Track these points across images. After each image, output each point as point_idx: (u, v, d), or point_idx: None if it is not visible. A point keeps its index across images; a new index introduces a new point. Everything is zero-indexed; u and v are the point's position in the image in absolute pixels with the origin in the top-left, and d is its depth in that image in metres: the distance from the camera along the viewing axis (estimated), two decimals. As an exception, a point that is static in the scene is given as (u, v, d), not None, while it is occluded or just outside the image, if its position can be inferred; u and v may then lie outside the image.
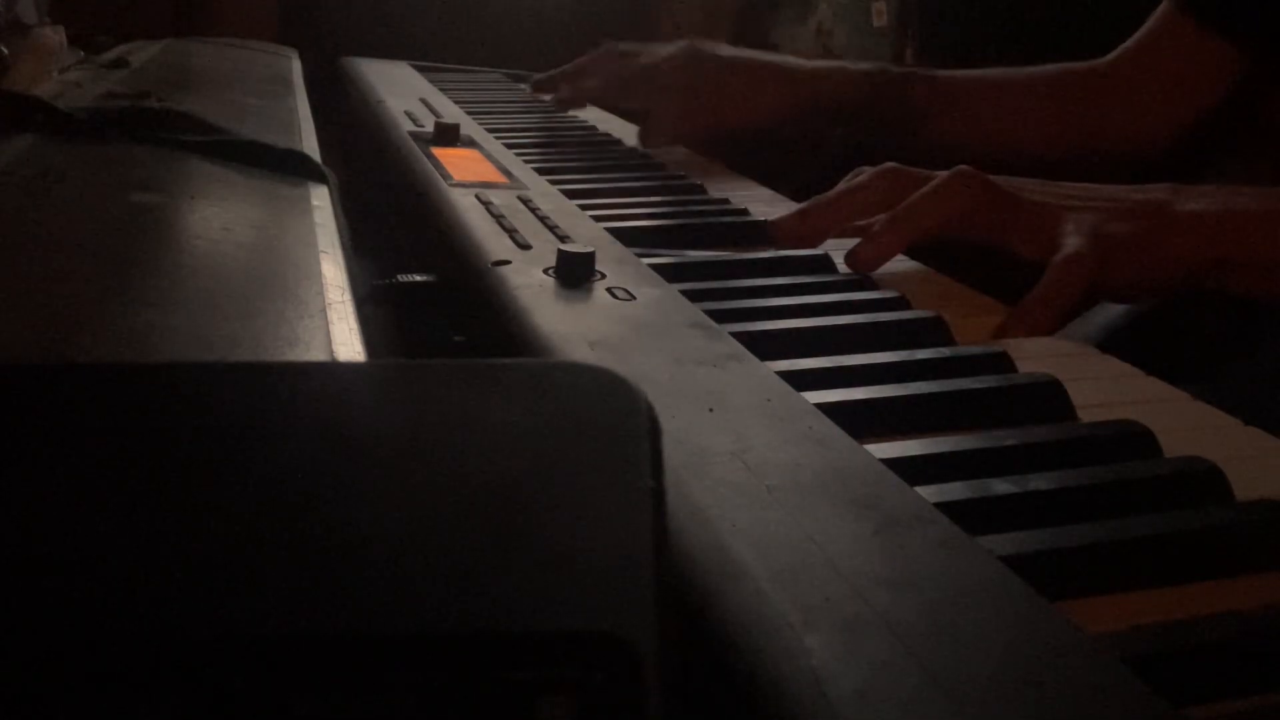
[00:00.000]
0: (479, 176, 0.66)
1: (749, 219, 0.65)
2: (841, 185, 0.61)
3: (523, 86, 1.23)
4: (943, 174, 0.56)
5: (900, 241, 0.55)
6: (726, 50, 0.88)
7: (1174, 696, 0.23)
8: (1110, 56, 0.82)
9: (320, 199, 0.55)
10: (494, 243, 0.51)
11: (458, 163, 0.69)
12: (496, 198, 0.59)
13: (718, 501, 0.28)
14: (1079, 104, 0.81)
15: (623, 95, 0.93)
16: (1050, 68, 0.83)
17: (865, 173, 0.60)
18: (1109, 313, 0.72)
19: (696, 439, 0.32)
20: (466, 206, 0.58)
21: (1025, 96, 0.82)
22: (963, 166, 0.57)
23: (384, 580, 0.18)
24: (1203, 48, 0.78)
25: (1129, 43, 0.82)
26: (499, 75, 1.28)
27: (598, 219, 0.58)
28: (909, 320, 0.48)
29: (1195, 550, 0.30)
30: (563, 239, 0.52)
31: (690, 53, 0.86)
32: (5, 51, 0.68)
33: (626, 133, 0.93)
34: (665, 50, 0.89)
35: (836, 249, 0.58)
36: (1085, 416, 0.39)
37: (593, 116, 1.03)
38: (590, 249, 0.47)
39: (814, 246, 0.59)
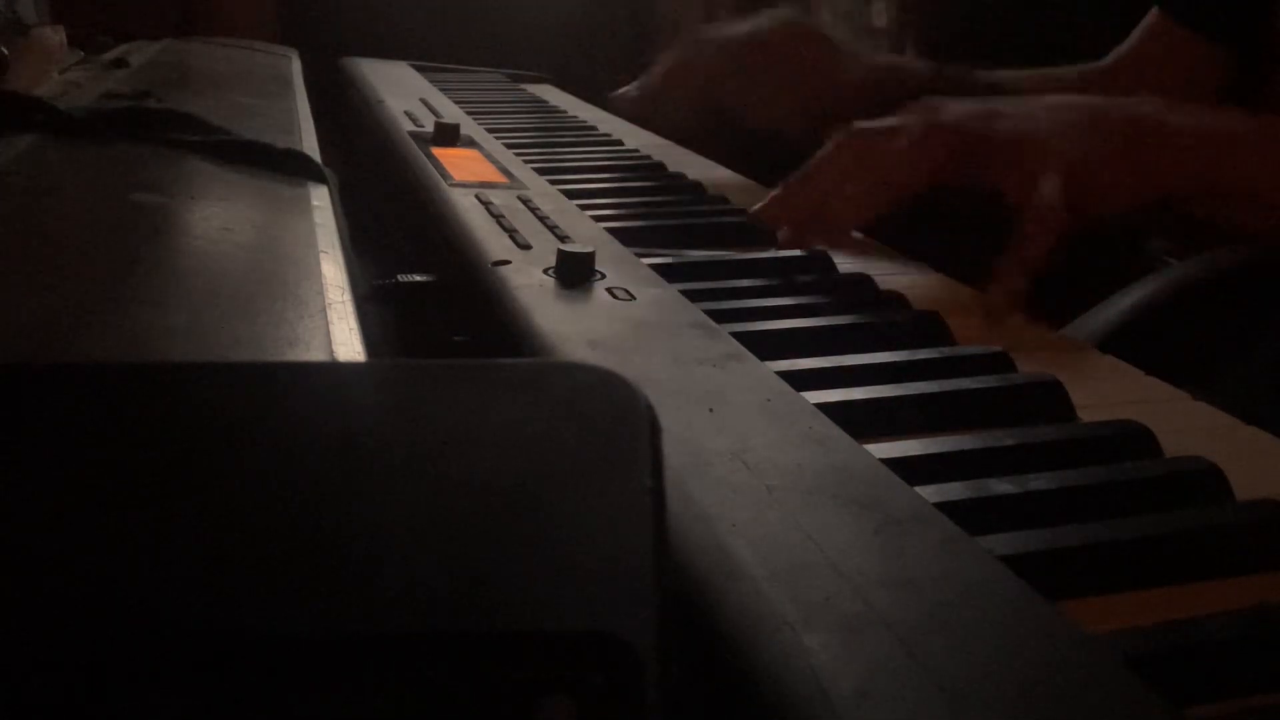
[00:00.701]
0: (479, 176, 0.66)
1: (746, 217, 0.65)
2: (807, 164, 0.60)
3: (523, 87, 1.23)
4: (909, 128, 0.55)
5: (870, 209, 0.55)
6: (826, 34, 0.83)
7: (1174, 696, 0.23)
8: (1106, 60, 0.83)
9: (320, 199, 0.55)
10: (494, 243, 0.51)
11: (458, 163, 0.69)
12: (496, 198, 0.59)
13: (718, 501, 0.28)
14: None
15: (724, 88, 0.82)
16: (1057, 71, 0.83)
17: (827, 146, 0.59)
18: (1109, 313, 0.72)
19: (696, 439, 0.32)
20: (466, 206, 0.58)
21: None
22: (928, 118, 0.56)
23: (384, 580, 0.18)
24: (1191, 51, 0.78)
25: (1122, 47, 0.82)
26: (499, 75, 1.28)
27: (598, 219, 0.58)
28: (909, 320, 0.48)
29: (1195, 550, 0.30)
30: (563, 239, 0.52)
31: (791, 26, 0.80)
32: (5, 51, 0.68)
33: (627, 132, 0.93)
34: (759, 25, 0.81)
35: (835, 250, 0.58)
36: (1085, 416, 0.39)
37: (593, 117, 1.03)
38: (590, 249, 0.47)
39: (799, 227, 0.58)
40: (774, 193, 0.61)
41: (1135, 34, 0.81)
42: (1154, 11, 0.81)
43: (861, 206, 0.56)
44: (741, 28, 0.79)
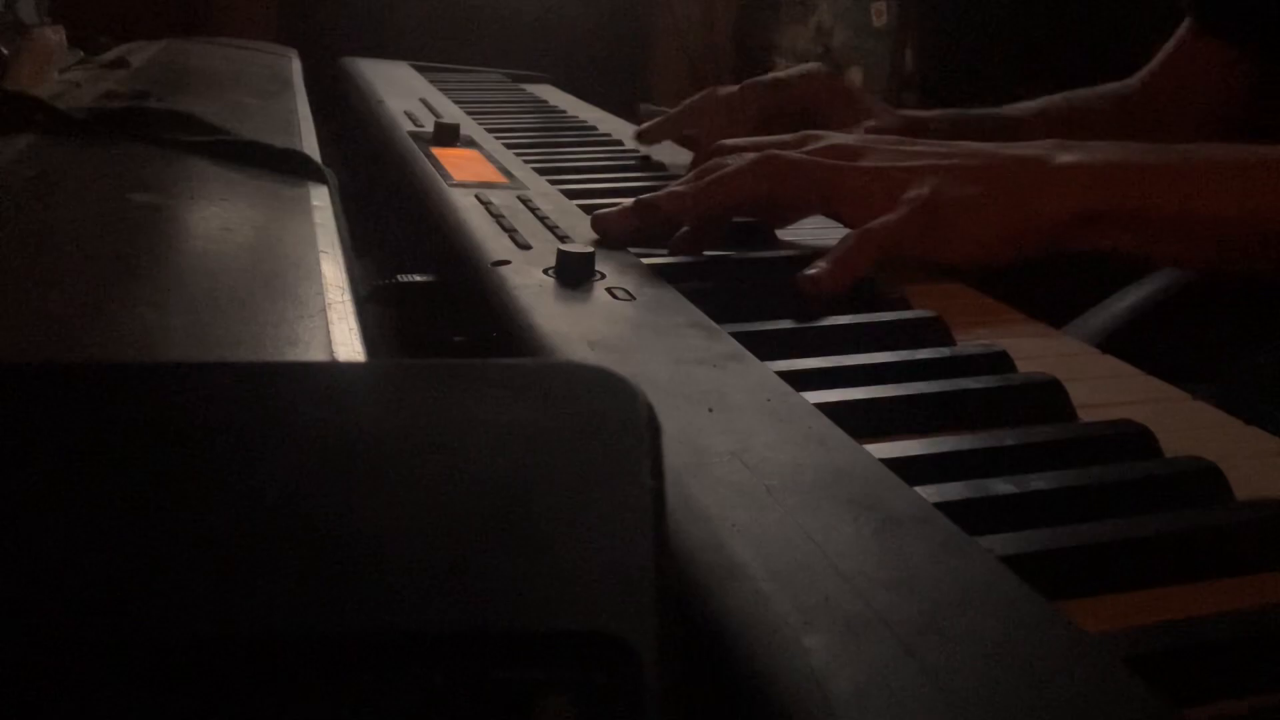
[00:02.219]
0: (479, 176, 0.66)
1: (748, 219, 0.65)
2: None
3: (523, 87, 1.23)
4: (746, 157, 0.56)
5: (692, 213, 0.55)
6: (855, 88, 0.84)
7: (1174, 696, 0.23)
8: (1137, 77, 0.83)
9: (320, 199, 0.55)
10: (494, 243, 0.51)
11: (458, 163, 0.69)
12: (496, 198, 0.59)
13: (718, 501, 0.28)
14: (1125, 127, 0.81)
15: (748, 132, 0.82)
16: (1092, 92, 0.83)
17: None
18: (1109, 312, 0.72)
19: (696, 439, 0.32)
20: (466, 206, 0.58)
21: (1081, 126, 0.82)
22: (769, 152, 0.56)
23: (384, 580, 0.18)
24: (1225, 63, 0.78)
25: (1154, 63, 0.82)
26: (499, 75, 1.28)
27: (598, 219, 0.58)
28: (909, 320, 0.48)
29: (1195, 550, 0.30)
30: (563, 239, 0.52)
31: (825, 78, 0.80)
32: (5, 51, 0.69)
33: (626, 133, 0.93)
34: (785, 75, 0.81)
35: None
36: (1085, 416, 0.39)
37: (593, 117, 1.03)
38: (590, 249, 0.47)
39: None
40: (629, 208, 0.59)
41: (1167, 47, 0.82)
42: (1186, 24, 0.81)
43: (668, 214, 0.56)
44: (765, 78, 0.79)
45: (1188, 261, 0.54)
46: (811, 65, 0.79)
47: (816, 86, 0.77)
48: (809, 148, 0.57)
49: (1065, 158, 0.52)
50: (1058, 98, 0.82)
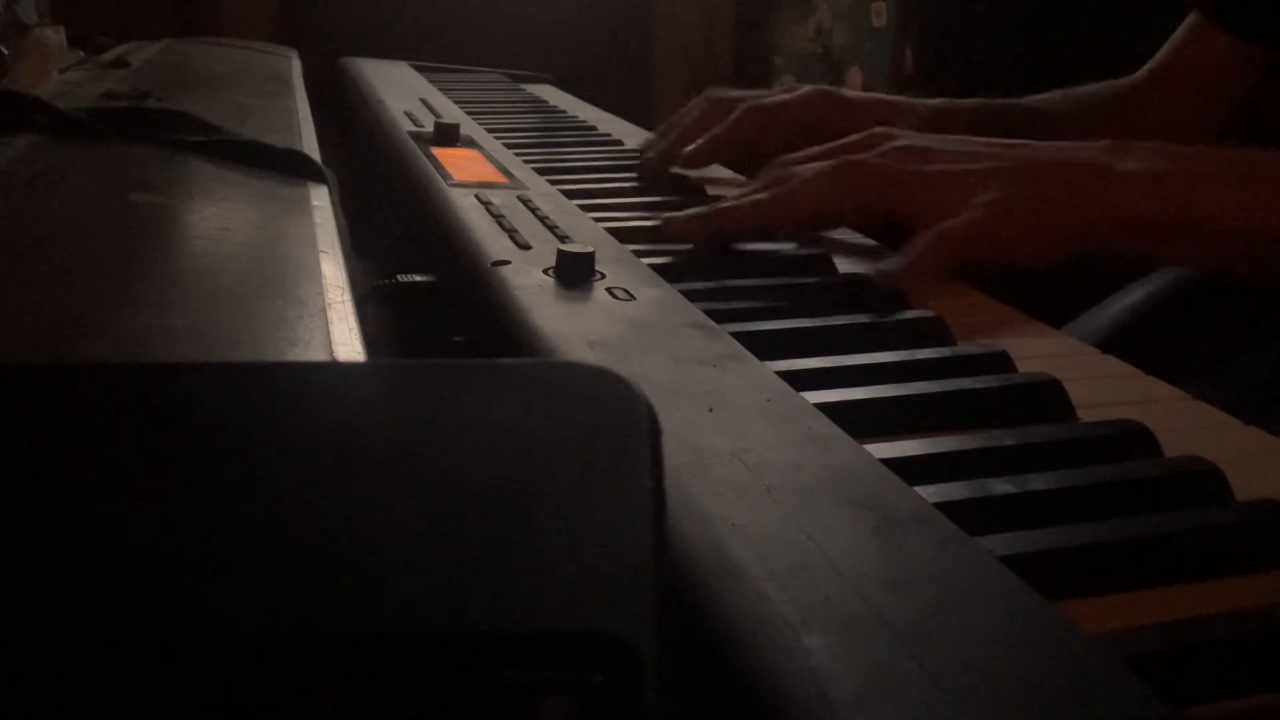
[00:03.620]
0: (479, 176, 0.66)
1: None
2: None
3: (523, 87, 1.23)
4: (829, 163, 0.57)
5: (768, 221, 0.56)
6: (850, 93, 0.83)
7: (1174, 696, 0.23)
8: (1144, 70, 0.82)
9: (320, 199, 0.55)
10: (494, 243, 0.51)
11: (458, 163, 0.69)
12: (496, 198, 0.59)
13: (718, 501, 0.28)
14: (1125, 122, 0.81)
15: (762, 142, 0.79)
16: (1094, 88, 0.83)
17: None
18: (1109, 312, 0.72)
19: (696, 439, 0.32)
20: (466, 206, 0.58)
21: (1079, 121, 0.81)
22: (846, 159, 0.56)
23: (384, 580, 0.18)
24: (1233, 55, 0.78)
25: (1159, 56, 0.82)
26: (499, 75, 1.28)
27: (598, 219, 0.58)
28: (909, 320, 0.48)
29: (1195, 550, 0.30)
30: (563, 239, 0.52)
31: (818, 94, 0.79)
32: (5, 51, 0.69)
33: (626, 133, 0.93)
34: (789, 96, 0.79)
35: (834, 249, 0.58)
36: (1085, 416, 0.39)
37: (593, 117, 1.03)
38: (590, 249, 0.47)
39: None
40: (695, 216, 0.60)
41: (1173, 41, 0.81)
42: (1193, 16, 0.80)
43: (740, 223, 0.57)
44: (765, 102, 0.77)
45: (1243, 271, 0.54)
46: (809, 88, 0.78)
47: (817, 105, 0.76)
48: (880, 149, 0.57)
49: (1125, 163, 0.52)
50: (1056, 94, 0.82)
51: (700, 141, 0.75)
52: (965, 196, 0.53)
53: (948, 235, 0.51)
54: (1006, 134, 0.72)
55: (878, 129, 0.60)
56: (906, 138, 0.58)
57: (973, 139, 0.57)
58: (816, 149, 0.61)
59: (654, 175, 0.76)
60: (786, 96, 0.77)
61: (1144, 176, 0.52)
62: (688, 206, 0.68)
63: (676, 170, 0.77)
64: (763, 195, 0.57)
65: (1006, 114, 0.80)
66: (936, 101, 0.80)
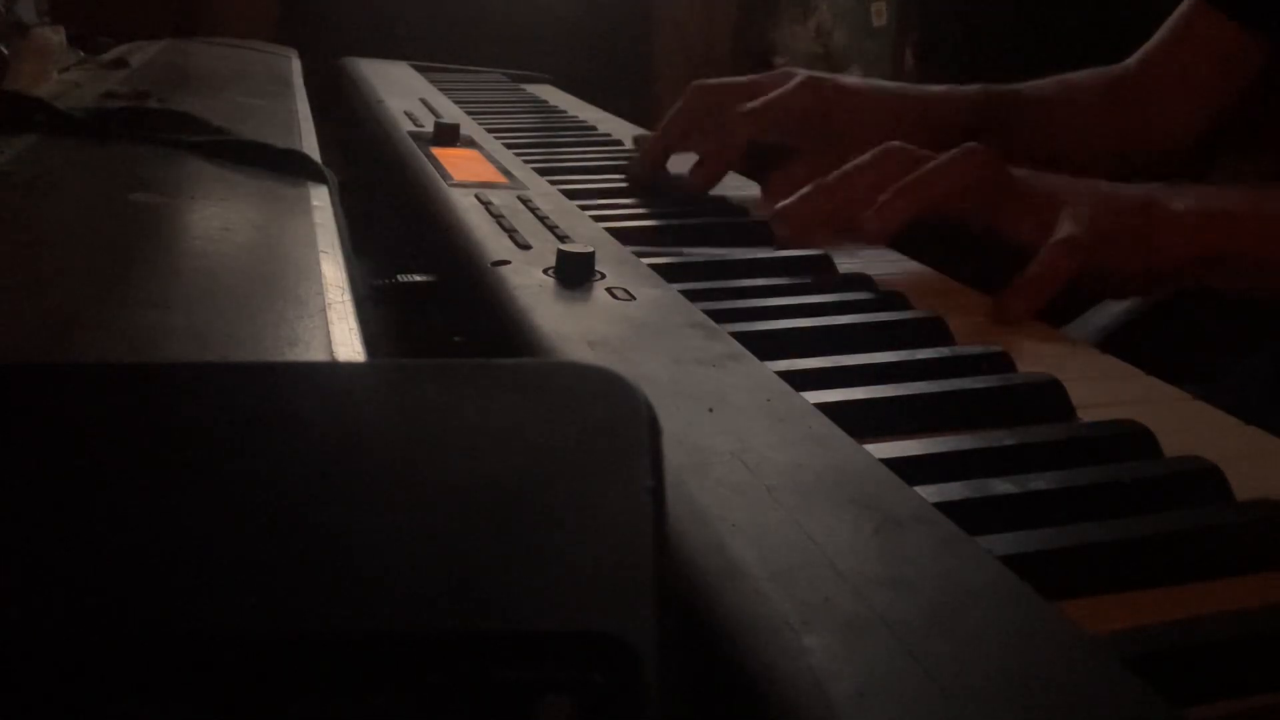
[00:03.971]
0: (479, 176, 0.66)
1: (748, 219, 0.65)
2: (845, 167, 0.61)
3: (523, 87, 1.23)
4: (950, 151, 0.57)
5: (907, 209, 0.55)
6: (845, 80, 0.80)
7: (1174, 696, 0.23)
8: (1136, 56, 0.82)
9: (320, 199, 0.55)
10: (494, 243, 0.51)
11: (458, 163, 0.69)
12: (496, 198, 0.59)
13: (718, 501, 0.28)
14: (1112, 108, 0.81)
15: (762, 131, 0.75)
16: (1085, 74, 0.82)
17: (868, 154, 0.60)
18: (1109, 312, 0.72)
19: (696, 439, 0.32)
20: (466, 206, 0.58)
21: (1068, 107, 0.81)
22: (971, 144, 0.57)
23: (384, 580, 0.18)
24: (1232, 41, 0.77)
25: (1153, 41, 0.81)
26: (499, 75, 1.28)
27: (598, 219, 0.58)
28: (909, 320, 0.48)
29: (1195, 550, 0.30)
30: (563, 239, 0.52)
31: (812, 84, 0.76)
32: (5, 51, 0.68)
33: (626, 133, 0.93)
34: (781, 84, 0.76)
35: (836, 250, 0.58)
36: (1085, 416, 0.39)
37: (593, 117, 1.03)
38: (590, 249, 0.47)
39: (818, 230, 0.59)
40: (804, 191, 0.60)
41: (1169, 24, 0.80)
42: (1187, 5, 0.80)
43: (892, 215, 0.56)
44: (756, 103, 0.73)
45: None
46: (800, 78, 0.75)
47: (813, 98, 0.74)
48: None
49: (1180, 203, 0.55)
50: (1052, 81, 0.82)
51: (703, 169, 0.73)
52: (1051, 217, 0.54)
53: (1075, 243, 0.52)
54: (1005, 123, 0.73)
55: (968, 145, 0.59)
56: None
57: (1040, 174, 0.58)
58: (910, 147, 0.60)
59: (639, 182, 0.75)
60: (780, 93, 0.74)
61: (1198, 214, 0.54)
62: (686, 206, 0.69)
63: (677, 172, 0.76)
64: (887, 193, 0.56)
65: (1004, 102, 0.80)
66: (937, 89, 0.80)
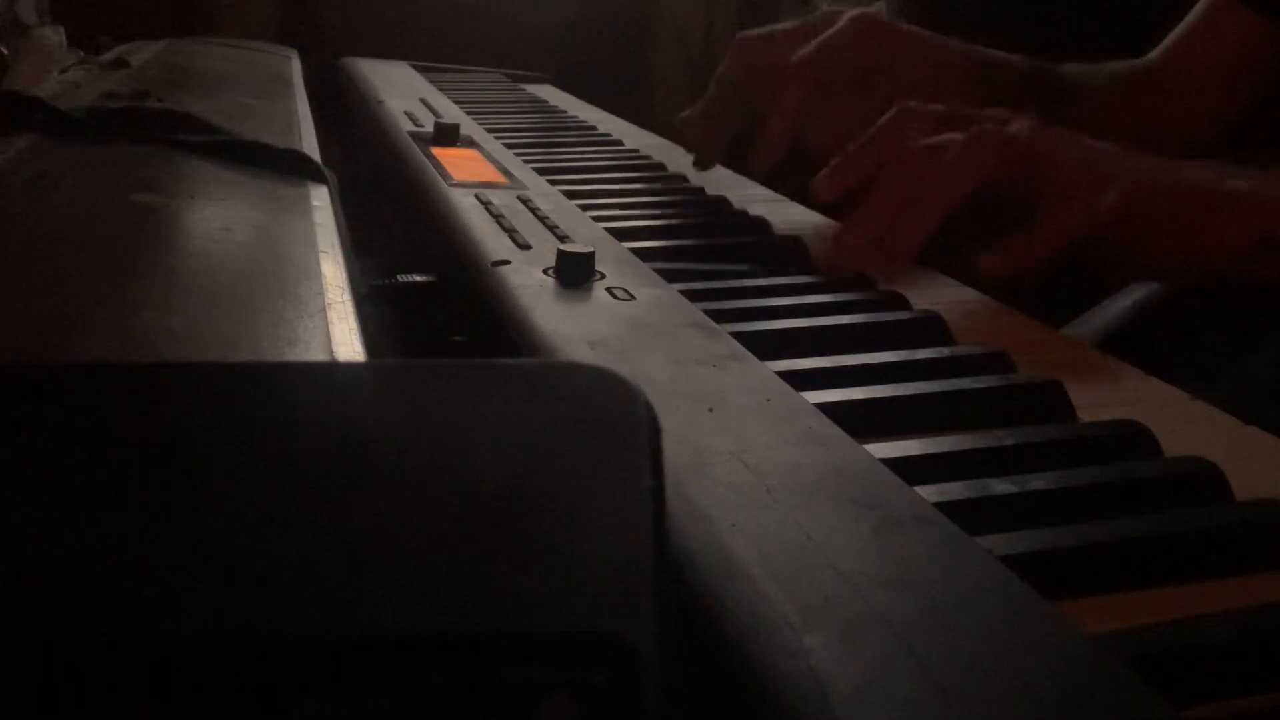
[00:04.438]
0: (479, 176, 0.66)
1: (748, 218, 0.65)
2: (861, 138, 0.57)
3: (523, 87, 1.23)
4: (970, 131, 0.54)
5: (928, 226, 0.53)
6: (899, 24, 0.73)
7: (1174, 696, 0.23)
8: (1157, 52, 0.80)
9: (320, 199, 0.55)
10: (494, 243, 0.51)
11: (458, 163, 0.69)
12: (496, 198, 0.59)
13: (718, 501, 0.28)
14: (1133, 102, 0.79)
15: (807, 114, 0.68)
16: (1105, 67, 0.81)
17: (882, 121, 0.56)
18: (1109, 312, 0.72)
19: (696, 439, 0.32)
20: (466, 206, 0.58)
21: (1098, 95, 0.80)
22: (986, 128, 0.54)
23: (383, 580, 0.18)
24: (1254, 34, 0.76)
25: (1174, 36, 0.79)
26: (499, 75, 1.28)
27: (598, 219, 0.58)
28: (909, 320, 0.48)
29: (1195, 550, 0.30)
30: (563, 239, 0.52)
31: (867, 25, 0.69)
32: (5, 51, 0.68)
33: (627, 133, 0.93)
34: (827, 26, 0.69)
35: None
36: (1085, 416, 0.39)
37: (593, 117, 1.02)
38: (590, 249, 0.47)
39: (863, 261, 0.55)
40: (839, 237, 0.56)
41: (1191, 18, 0.79)
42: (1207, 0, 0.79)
43: (920, 226, 0.53)
44: (807, 49, 0.67)
45: None
46: (851, 16, 0.68)
47: (869, 43, 0.68)
48: (1011, 129, 0.54)
49: (1239, 185, 0.52)
50: (1091, 68, 0.79)
51: (766, 146, 0.67)
52: (1091, 189, 0.51)
53: (1074, 210, 0.50)
54: (1053, 101, 0.68)
55: (991, 110, 0.56)
56: (1030, 120, 0.55)
57: (1088, 141, 0.55)
58: (934, 108, 0.56)
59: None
60: (828, 37, 0.67)
61: (1260, 197, 0.51)
62: (686, 208, 0.69)
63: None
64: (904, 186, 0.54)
65: (1047, 79, 0.76)
66: (994, 52, 0.75)
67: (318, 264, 0.44)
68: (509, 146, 0.78)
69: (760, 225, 0.63)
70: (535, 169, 0.71)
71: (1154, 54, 0.81)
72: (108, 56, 0.91)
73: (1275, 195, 0.51)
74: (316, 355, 0.35)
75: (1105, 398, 0.41)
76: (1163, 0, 0.82)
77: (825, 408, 0.35)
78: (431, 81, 1.11)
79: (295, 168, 0.59)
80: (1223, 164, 0.53)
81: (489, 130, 0.84)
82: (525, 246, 0.51)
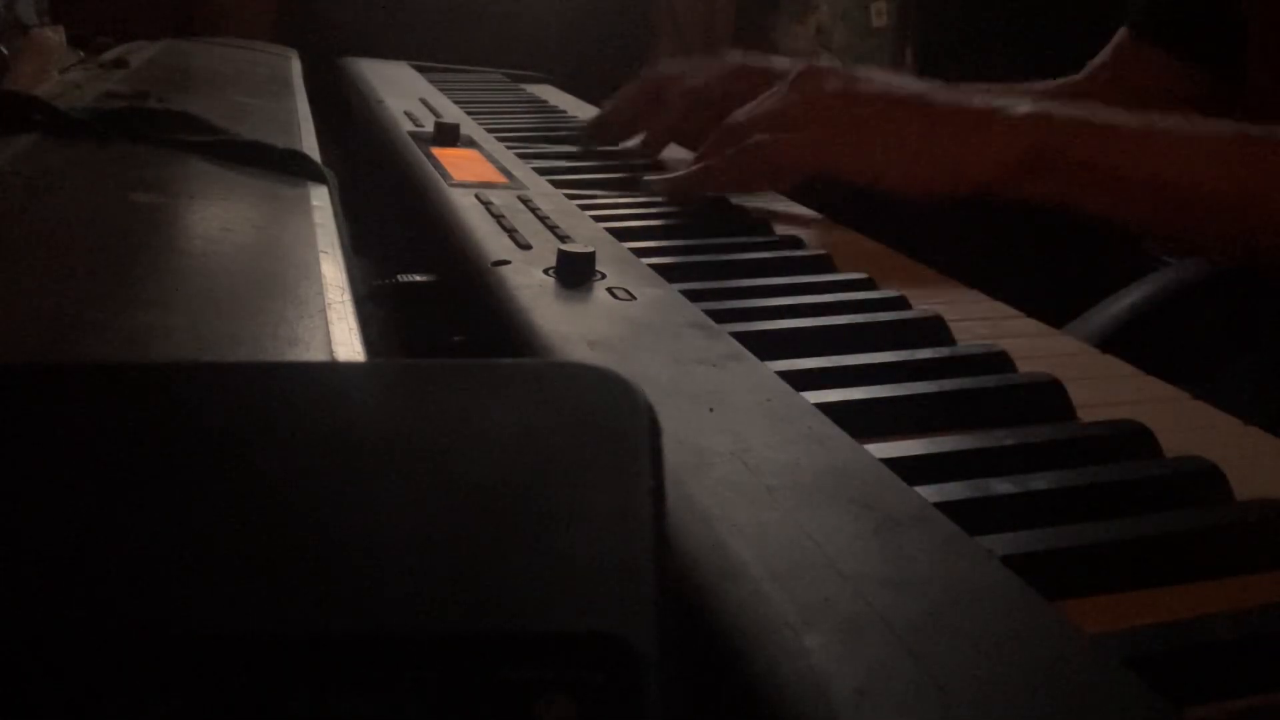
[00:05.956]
0: (479, 176, 0.66)
1: (747, 218, 0.65)
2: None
3: (523, 87, 1.23)
4: (742, 145, 0.62)
5: (701, 188, 0.64)
6: (776, 63, 0.76)
7: (1174, 696, 0.23)
8: (1083, 74, 0.81)
9: (320, 199, 0.55)
10: (494, 243, 0.51)
11: (458, 163, 0.69)
12: (496, 198, 0.59)
13: (718, 501, 0.28)
14: None
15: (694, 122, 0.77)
16: (1038, 86, 0.82)
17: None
18: (1109, 312, 0.72)
19: (696, 439, 0.32)
20: (466, 206, 0.58)
21: None
22: (763, 139, 0.61)
23: (384, 580, 0.18)
24: (1164, 67, 0.77)
25: (1096, 61, 0.81)
26: (499, 75, 1.28)
27: (598, 219, 0.58)
28: (909, 320, 0.48)
29: (1195, 550, 0.30)
30: (563, 239, 0.52)
31: (743, 73, 0.75)
32: (5, 51, 0.68)
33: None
34: (709, 78, 0.78)
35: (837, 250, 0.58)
36: (1085, 416, 0.39)
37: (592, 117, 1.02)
38: (590, 249, 0.47)
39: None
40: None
41: (1107, 50, 0.81)
42: (1123, 30, 0.80)
43: (706, 188, 0.65)
44: (685, 89, 0.79)
45: (1151, 230, 0.56)
46: (731, 63, 0.78)
47: (735, 82, 0.75)
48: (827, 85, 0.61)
49: (1022, 107, 0.54)
50: (1034, 87, 0.81)
51: (646, 136, 0.82)
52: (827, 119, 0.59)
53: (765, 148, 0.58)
54: None
55: (809, 67, 0.63)
56: (833, 80, 0.61)
57: (896, 82, 0.60)
58: (752, 110, 0.65)
59: (591, 147, 0.84)
60: (706, 79, 0.79)
61: (1035, 117, 0.53)
62: (685, 206, 0.69)
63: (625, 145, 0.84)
64: (710, 163, 0.64)
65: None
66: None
67: (318, 264, 0.44)
68: (509, 146, 0.78)
69: (760, 225, 0.63)
70: (535, 169, 0.71)
71: (1082, 74, 0.82)
72: (108, 56, 0.91)
73: (1048, 115, 0.53)
74: (316, 355, 0.35)
75: (1105, 398, 0.41)
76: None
77: (825, 408, 0.35)
78: (431, 81, 1.11)
79: (295, 168, 0.59)
80: (1025, 92, 0.56)
81: (489, 130, 0.84)
82: (525, 246, 0.51)
